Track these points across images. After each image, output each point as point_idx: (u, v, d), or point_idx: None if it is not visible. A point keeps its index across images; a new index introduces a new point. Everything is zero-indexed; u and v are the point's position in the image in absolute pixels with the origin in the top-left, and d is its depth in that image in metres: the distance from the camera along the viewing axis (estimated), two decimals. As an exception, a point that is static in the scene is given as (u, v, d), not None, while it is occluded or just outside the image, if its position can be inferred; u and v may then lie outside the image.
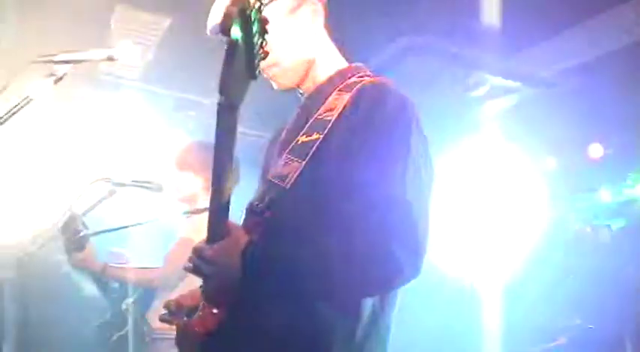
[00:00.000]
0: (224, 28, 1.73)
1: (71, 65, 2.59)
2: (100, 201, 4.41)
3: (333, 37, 2.53)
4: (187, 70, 6.37)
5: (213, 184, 1.95)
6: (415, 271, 1.99)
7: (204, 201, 4.37)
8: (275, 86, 2.42)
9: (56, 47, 2.71)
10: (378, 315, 2.14)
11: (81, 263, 4.35)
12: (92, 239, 4.33)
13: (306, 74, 2.40)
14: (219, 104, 1.84)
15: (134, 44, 5.75)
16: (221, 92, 1.81)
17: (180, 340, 2.17)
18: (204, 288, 2.12)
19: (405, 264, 1.95)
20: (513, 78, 5.68)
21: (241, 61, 1.78)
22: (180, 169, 4.57)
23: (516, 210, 6.30)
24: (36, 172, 6.60)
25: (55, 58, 2.60)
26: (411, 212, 1.99)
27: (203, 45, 5.70)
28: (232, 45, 1.74)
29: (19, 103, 2.55)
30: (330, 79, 2.38)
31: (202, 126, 7.26)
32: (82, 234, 4.23)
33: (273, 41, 2.15)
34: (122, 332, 4.58)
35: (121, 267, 4.47)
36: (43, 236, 4.37)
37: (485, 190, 6.37)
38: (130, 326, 4.55)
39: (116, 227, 4.59)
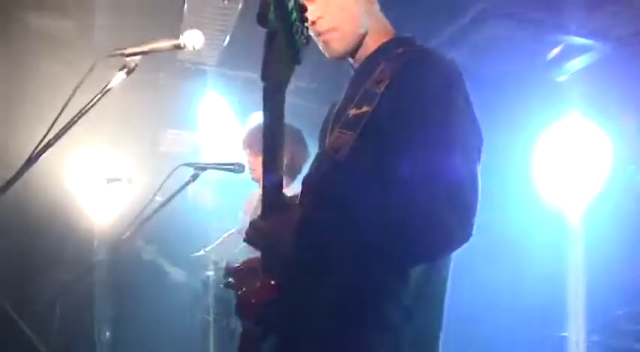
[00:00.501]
0: (261, 18, 1.81)
1: (140, 57, 2.70)
2: (184, 186, 4.53)
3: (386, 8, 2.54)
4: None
5: (264, 163, 2.03)
6: (465, 237, 2.04)
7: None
8: (327, 53, 2.43)
9: (133, 40, 2.84)
10: (428, 279, 2.18)
11: None
12: None
13: (360, 43, 2.42)
14: (263, 89, 1.95)
15: (209, 31, 5.97)
16: (263, 78, 1.92)
17: (239, 309, 2.22)
18: (261, 260, 2.20)
19: (455, 230, 2.01)
20: (589, 36, 5.59)
21: (282, 48, 1.87)
22: (248, 149, 4.63)
23: (595, 169, 6.22)
24: (122, 158, 6.82)
25: (126, 52, 2.72)
26: (461, 179, 2.04)
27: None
28: (270, 34, 1.83)
29: (96, 96, 2.68)
30: (379, 51, 2.40)
31: (289, 107, 7.37)
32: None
33: (336, 7, 2.30)
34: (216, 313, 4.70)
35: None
36: (132, 223, 4.50)
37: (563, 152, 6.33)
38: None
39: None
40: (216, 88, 7.08)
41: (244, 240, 2.18)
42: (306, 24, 1.88)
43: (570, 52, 5.71)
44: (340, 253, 2.05)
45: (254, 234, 2.13)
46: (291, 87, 6.00)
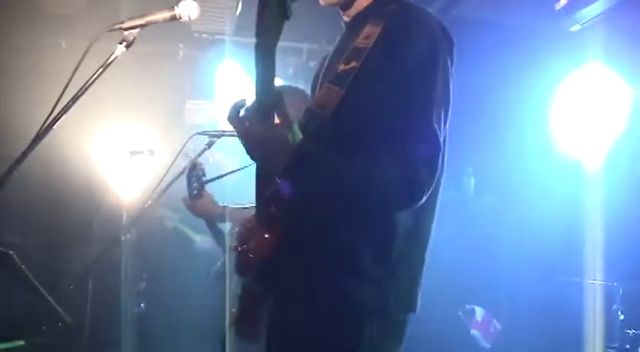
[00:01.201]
0: None
1: (138, 30, 2.75)
2: (200, 154, 4.60)
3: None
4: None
5: (256, 109, 2.12)
6: (429, 188, 2.16)
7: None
8: (322, 1, 2.46)
9: (137, 9, 2.89)
10: (413, 234, 2.30)
11: (202, 210, 4.53)
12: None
13: None
14: (255, 45, 2.03)
15: (220, 1, 5.99)
16: (257, 34, 2.01)
17: (239, 267, 2.29)
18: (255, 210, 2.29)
19: (426, 182, 2.13)
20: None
21: (274, 4, 1.96)
22: None
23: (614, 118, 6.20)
24: (144, 131, 6.88)
25: (124, 25, 2.77)
26: (434, 136, 2.15)
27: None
28: None
29: (98, 69, 2.73)
30: (371, 6, 2.44)
31: (301, 70, 7.41)
32: (202, 179, 4.43)
33: None
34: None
35: (241, 209, 4.50)
36: (151, 194, 4.57)
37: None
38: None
39: (228, 171, 4.77)
40: (233, 56, 7.11)
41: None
42: None
43: (582, 1, 5.65)
44: (327, 199, 2.18)
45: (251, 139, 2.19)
46: (305, 50, 6.07)
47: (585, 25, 5.98)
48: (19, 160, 2.61)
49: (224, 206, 4.54)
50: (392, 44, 2.20)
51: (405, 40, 2.19)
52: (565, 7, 5.52)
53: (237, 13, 6.41)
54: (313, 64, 7.41)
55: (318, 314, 2.21)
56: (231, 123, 2.19)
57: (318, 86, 2.53)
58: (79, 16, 6.30)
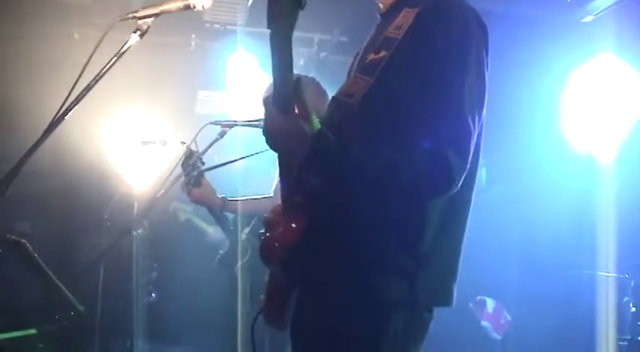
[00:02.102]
0: None
1: (152, 19, 2.75)
2: (212, 144, 4.61)
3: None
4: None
5: (275, 99, 2.11)
6: (460, 179, 2.11)
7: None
8: None
9: (151, 1, 2.89)
10: (443, 229, 2.24)
11: (200, 198, 4.52)
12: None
13: None
14: (270, 35, 1.99)
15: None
16: (269, 24, 1.97)
17: (263, 255, 2.26)
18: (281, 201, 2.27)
19: (457, 168, 2.08)
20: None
21: None
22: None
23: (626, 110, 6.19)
24: (156, 121, 6.90)
25: (138, 14, 2.77)
26: (465, 127, 2.11)
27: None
28: None
29: (112, 59, 2.74)
30: None
31: (313, 61, 7.41)
32: (198, 167, 4.42)
33: None
34: (244, 261, 4.76)
35: (238, 200, 4.58)
36: (163, 184, 4.59)
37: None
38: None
39: (227, 161, 4.77)
40: (245, 46, 7.11)
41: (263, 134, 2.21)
42: None
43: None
44: (351, 188, 2.14)
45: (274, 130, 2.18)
46: (316, 40, 6.05)
47: (598, 16, 5.95)
48: (32, 150, 2.61)
49: (223, 197, 4.53)
50: (423, 33, 2.17)
51: (436, 28, 2.16)
52: (576, -1, 5.51)
53: (249, 3, 6.42)
54: (324, 55, 7.41)
55: (342, 305, 2.19)
56: (265, 107, 2.19)
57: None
58: (92, 6, 6.32)
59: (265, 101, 2.15)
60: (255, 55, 7.21)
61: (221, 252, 4.88)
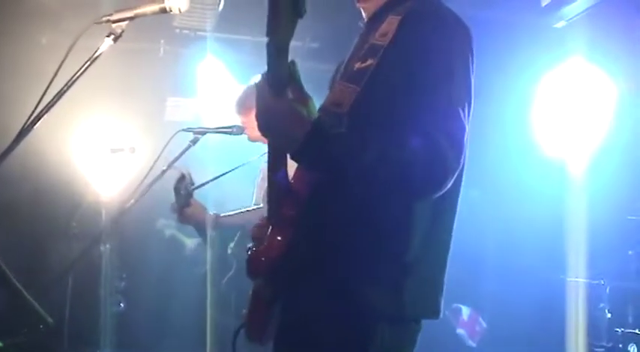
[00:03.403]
0: None
1: (127, 22, 2.69)
2: (184, 151, 4.55)
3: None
4: (261, 14, 6.43)
5: (269, 82, 2.04)
6: (454, 173, 2.06)
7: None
8: None
9: (128, 6, 2.82)
10: (430, 238, 2.21)
11: (191, 218, 4.48)
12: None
13: None
14: (267, 45, 1.97)
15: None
16: (268, 34, 1.94)
17: (249, 269, 2.19)
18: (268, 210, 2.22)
19: (452, 162, 2.04)
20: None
21: (287, 2, 1.89)
22: (240, 109, 4.61)
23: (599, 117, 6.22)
24: (125, 128, 6.83)
25: (112, 18, 2.71)
26: (458, 122, 2.08)
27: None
28: None
29: (85, 63, 2.68)
30: (388, 3, 2.39)
31: (284, 68, 7.35)
32: (190, 190, 4.38)
33: None
34: (230, 275, 4.73)
35: (229, 215, 4.56)
36: (135, 193, 4.51)
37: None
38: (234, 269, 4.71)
39: (214, 177, 4.73)
40: (214, 52, 7.07)
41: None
42: None
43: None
44: (343, 191, 2.10)
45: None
46: (297, 45, 5.98)
47: (570, 21, 5.97)
48: (2, 157, 2.54)
49: (215, 214, 4.51)
50: (408, 37, 2.15)
51: (421, 30, 2.15)
52: (550, 4, 5.51)
53: (220, 9, 6.35)
54: (298, 62, 7.34)
55: (328, 316, 2.15)
56: (257, 89, 2.12)
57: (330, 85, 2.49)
58: (61, 12, 6.23)
59: (258, 84, 2.09)
60: (224, 62, 7.18)
61: (199, 269, 4.85)
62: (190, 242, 7.16)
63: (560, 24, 6.08)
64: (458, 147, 2.06)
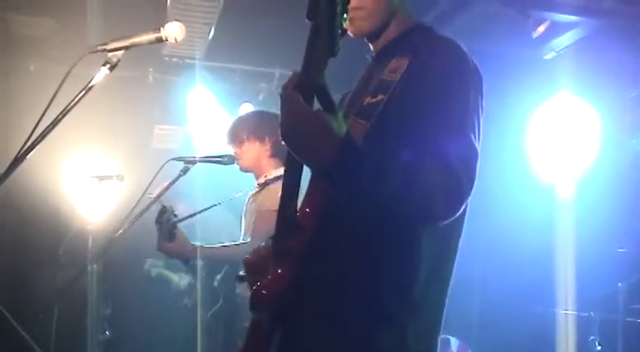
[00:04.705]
0: (310, 13, 1.83)
1: (122, 51, 2.68)
2: (174, 181, 4.51)
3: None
4: (251, 43, 6.46)
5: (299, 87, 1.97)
6: (467, 197, 2.04)
7: (272, 169, 4.47)
8: (351, 31, 2.36)
9: (115, 34, 2.81)
10: (432, 279, 2.18)
11: (175, 252, 4.38)
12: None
13: (385, 26, 2.40)
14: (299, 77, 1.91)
15: (193, 24, 5.96)
16: (304, 71, 1.89)
17: (252, 304, 2.12)
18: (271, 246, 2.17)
19: (466, 186, 2.02)
20: (574, 12, 5.56)
21: (323, 41, 1.87)
22: (233, 140, 4.59)
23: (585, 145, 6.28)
24: (113, 156, 6.80)
25: (108, 47, 2.70)
26: (472, 143, 2.07)
27: (261, 20, 5.86)
28: (316, 29, 1.85)
29: (80, 92, 2.66)
30: (398, 39, 2.39)
31: (273, 96, 7.36)
32: (172, 223, 4.28)
33: None
34: (216, 308, 4.68)
35: (211, 247, 4.45)
36: (124, 221, 4.47)
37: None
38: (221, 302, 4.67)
39: (200, 210, 4.70)
40: (203, 81, 7.08)
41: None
42: (345, 15, 1.87)
43: (557, 29, 5.69)
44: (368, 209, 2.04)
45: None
46: (277, 75, 6.04)
47: (560, 52, 6.03)
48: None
49: (195, 245, 4.40)
50: (421, 75, 2.14)
51: (434, 66, 2.14)
52: (541, 36, 5.55)
53: (210, 37, 6.35)
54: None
55: None
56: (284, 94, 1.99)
57: None
58: (50, 38, 6.22)
59: (284, 89, 1.96)
60: (213, 90, 7.18)
61: (186, 301, 4.79)
62: (177, 278, 7.11)
63: (550, 55, 6.12)
64: (472, 172, 2.04)
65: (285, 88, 1.96)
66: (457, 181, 1.99)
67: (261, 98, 7.41)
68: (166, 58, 6.97)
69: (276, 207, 2.09)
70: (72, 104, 2.64)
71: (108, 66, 2.69)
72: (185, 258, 4.48)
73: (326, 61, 1.90)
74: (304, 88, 1.91)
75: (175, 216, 4.34)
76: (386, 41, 2.41)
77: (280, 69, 7.21)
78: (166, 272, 7.28)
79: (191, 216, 4.65)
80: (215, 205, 4.69)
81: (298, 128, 1.91)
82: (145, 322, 6.99)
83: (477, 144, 2.09)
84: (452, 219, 2.05)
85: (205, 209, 4.69)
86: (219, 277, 4.70)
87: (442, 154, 2.00)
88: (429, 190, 1.96)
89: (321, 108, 1.95)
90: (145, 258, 7.31)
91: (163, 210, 4.29)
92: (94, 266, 5.50)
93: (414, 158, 2.00)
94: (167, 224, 4.28)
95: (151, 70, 7.08)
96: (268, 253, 2.16)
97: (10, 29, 6.11)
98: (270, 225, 2.16)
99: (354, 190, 1.98)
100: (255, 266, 2.23)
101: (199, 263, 4.55)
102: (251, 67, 7.19)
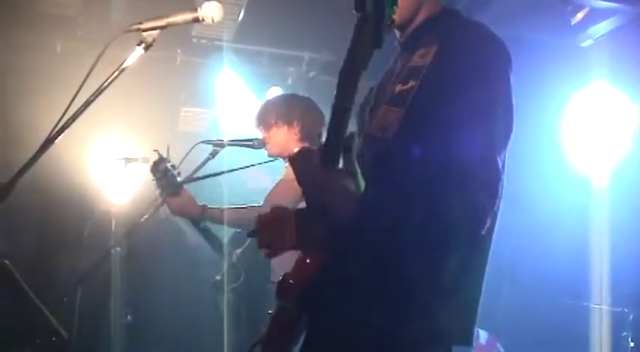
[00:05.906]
0: (359, 5, 1.81)
1: (158, 31, 2.60)
2: (203, 163, 4.47)
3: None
4: (280, 26, 6.38)
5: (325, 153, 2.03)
6: (489, 216, 2.07)
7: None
8: None
9: (148, 14, 2.74)
10: (465, 272, 2.16)
11: (179, 209, 4.28)
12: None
13: (415, 13, 2.39)
14: (341, 71, 1.94)
15: (223, 6, 5.89)
16: (349, 62, 1.90)
17: (280, 293, 2.20)
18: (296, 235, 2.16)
19: (487, 209, 2.05)
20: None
21: (370, 33, 1.84)
22: (261, 125, 4.48)
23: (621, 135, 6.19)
24: (140, 138, 6.74)
25: (143, 26, 2.62)
26: (496, 161, 2.08)
27: (291, 3, 5.77)
28: (361, 19, 1.83)
29: (114, 72, 2.60)
30: (426, 23, 2.38)
31: (302, 80, 7.29)
32: (170, 173, 4.19)
33: None
34: (238, 284, 4.58)
35: (221, 208, 4.32)
36: (149, 206, 4.40)
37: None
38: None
39: (209, 174, 4.55)
40: (232, 64, 6.99)
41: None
42: (394, 7, 1.85)
43: (595, 17, 5.59)
44: (395, 238, 2.06)
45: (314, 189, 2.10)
46: (306, 59, 5.97)
47: (597, 40, 5.92)
48: (26, 167, 2.46)
49: (203, 205, 4.30)
50: (450, 60, 2.13)
51: (463, 56, 2.14)
52: (579, 23, 5.45)
53: (240, 19, 6.26)
54: (312, 75, 7.29)
55: (358, 343, 2.11)
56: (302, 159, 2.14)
57: (368, 111, 2.45)
58: (77, 18, 6.16)
59: (304, 154, 2.12)
60: (240, 74, 7.10)
61: (217, 277, 4.68)
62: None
63: (587, 43, 6.02)
64: (493, 194, 2.06)
65: (304, 152, 2.14)
66: (480, 208, 2.04)
67: (290, 82, 7.34)
68: (194, 40, 6.89)
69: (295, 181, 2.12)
70: (105, 85, 2.57)
71: (143, 45, 2.61)
72: (193, 217, 4.36)
73: (371, 52, 1.89)
74: (333, 149, 2.00)
75: (174, 167, 4.24)
76: (414, 28, 2.40)
77: (309, 53, 7.13)
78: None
79: (199, 178, 4.50)
80: (227, 172, 4.55)
81: (319, 194, 2.08)
82: (167, 307, 6.95)
83: (500, 165, 2.10)
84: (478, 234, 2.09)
85: (216, 174, 4.53)
86: (239, 251, 4.59)
87: (466, 182, 2.01)
88: (449, 219, 2.02)
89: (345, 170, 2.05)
90: (168, 243, 7.24)
91: (159, 160, 4.21)
92: (118, 249, 5.45)
93: (434, 185, 2.02)
94: (166, 176, 4.21)
95: (179, 51, 6.98)
96: (285, 214, 2.19)
97: (36, 10, 6.05)
98: (287, 194, 2.16)
99: (374, 244, 2.08)
100: (268, 222, 2.24)
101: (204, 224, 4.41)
102: (280, 51, 7.10)
